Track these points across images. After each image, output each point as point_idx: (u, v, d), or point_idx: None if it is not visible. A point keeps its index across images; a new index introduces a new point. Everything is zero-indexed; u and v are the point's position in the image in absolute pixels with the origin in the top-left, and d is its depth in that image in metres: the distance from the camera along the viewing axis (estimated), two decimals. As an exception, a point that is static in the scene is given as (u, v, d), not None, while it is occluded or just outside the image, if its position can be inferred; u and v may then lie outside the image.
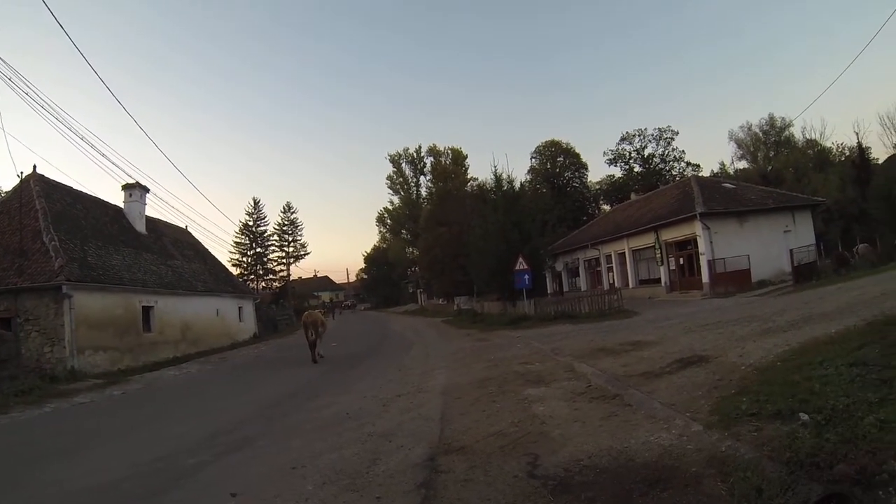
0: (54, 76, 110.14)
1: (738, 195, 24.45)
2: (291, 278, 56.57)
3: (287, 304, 45.51)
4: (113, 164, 72.15)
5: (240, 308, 27.60)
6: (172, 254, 23.31)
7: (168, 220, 26.37)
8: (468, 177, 50.53)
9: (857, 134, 45.39)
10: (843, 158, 41.44)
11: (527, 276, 20.69)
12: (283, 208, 55.64)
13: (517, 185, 26.97)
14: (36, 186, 17.18)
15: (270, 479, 4.53)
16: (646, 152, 50.49)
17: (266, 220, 52.61)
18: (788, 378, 4.89)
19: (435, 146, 56.62)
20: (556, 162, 50.90)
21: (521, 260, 20.65)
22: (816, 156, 42.28)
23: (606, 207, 47.80)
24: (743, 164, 47.41)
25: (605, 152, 51.64)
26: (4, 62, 22.55)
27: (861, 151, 39.69)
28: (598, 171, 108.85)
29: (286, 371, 13.55)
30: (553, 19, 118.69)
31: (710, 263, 21.15)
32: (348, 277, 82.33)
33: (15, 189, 17.72)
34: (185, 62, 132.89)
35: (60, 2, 13.71)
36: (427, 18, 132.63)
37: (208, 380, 13.72)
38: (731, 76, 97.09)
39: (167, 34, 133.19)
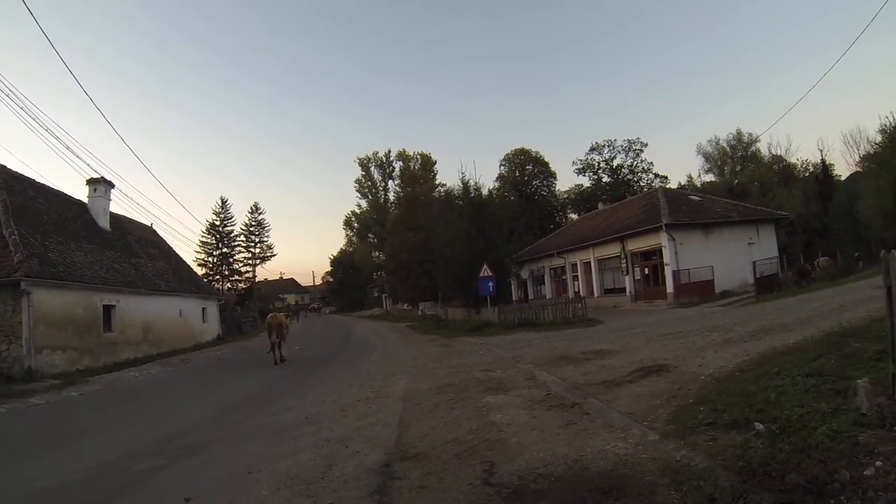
0: (20, 65, 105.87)
1: (704, 207, 25.03)
2: (257, 280, 55.58)
3: (252, 306, 44.68)
4: (77, 157, 69.89)
5: (203, 309, 26.98)
6: (136, 252, 22.66)
7: (133, 217, 25.74)
8: (437, 182, 50.07)
9: (821, 151, 47.63)
10: (807, 174, 42.96)
11: (491, 284, 20.75)
12: (251, 209, 54.50)
13: (485, 192, 27.02)
14: (-3, 177, 16.31)
15: (226, 483, 4.47)
16: (615, 163, 51.39)
17: (233, 220, 51.50)
18: (746, 388, 4.96)
19: (404, 151, 56.24)
20: (525, 170, 51.16)
21: (485, 267, 20.69)
22: (781, 171, 43.69)
23: (574, 216, 48.09)
24: (710, 178, 48.48)
25: (574, 162, 52.39)
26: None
27: (825, 168, 41.45)
28: (567, 180, 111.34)
29: (248, 373, 13.40)
30: (527, 25, 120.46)
31: (675, 274, 21.53)
32: (314, 280, 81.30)
33: (-26, 180, 16.76)
34: (156, 57, 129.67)
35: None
36: (402, 18, 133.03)
37: (169, 381, 13.42)
38: (701, 90, 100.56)
39: (146, 29, 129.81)
